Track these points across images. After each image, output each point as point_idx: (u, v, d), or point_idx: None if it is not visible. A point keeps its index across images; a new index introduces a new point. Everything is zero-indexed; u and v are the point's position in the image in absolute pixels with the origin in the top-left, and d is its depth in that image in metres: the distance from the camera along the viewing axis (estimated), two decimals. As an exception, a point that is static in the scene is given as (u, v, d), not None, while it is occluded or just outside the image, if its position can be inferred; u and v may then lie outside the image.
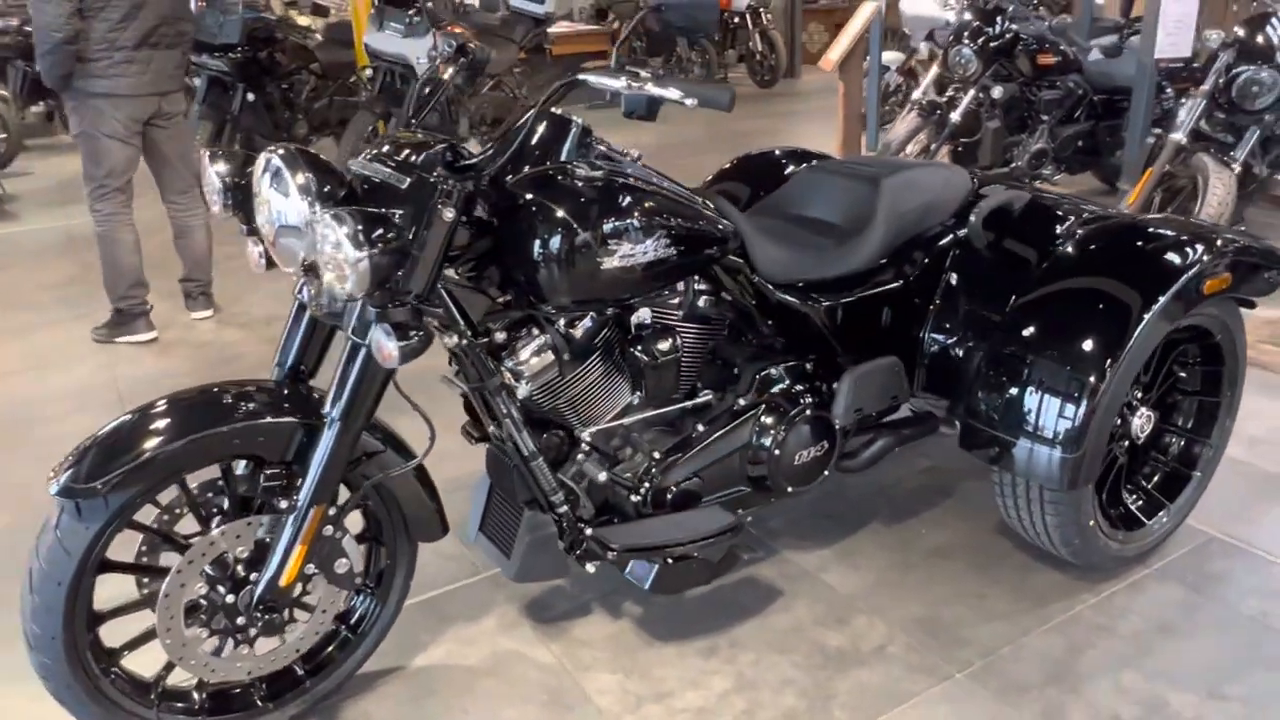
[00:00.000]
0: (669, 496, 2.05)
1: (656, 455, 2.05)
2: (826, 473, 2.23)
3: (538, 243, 1.73)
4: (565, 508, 1.98)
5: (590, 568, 2.01)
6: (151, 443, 1.57)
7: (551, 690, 1.99)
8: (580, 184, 1.78)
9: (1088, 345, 1.95)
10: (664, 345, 1.98)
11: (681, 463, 2.06)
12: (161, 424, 1.61)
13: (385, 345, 1.54)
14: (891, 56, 7.29)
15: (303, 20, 7.61)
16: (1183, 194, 3.69)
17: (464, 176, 1.69)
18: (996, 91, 4.78)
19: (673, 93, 1.56)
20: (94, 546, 1.59)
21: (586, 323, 1.94)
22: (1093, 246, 2.11)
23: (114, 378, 3.58)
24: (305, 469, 1.69)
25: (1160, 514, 2.30)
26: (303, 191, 1.58)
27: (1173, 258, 2.01)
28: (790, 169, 2.79)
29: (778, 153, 2.88)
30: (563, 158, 1.84)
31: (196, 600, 1.70)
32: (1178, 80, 4.66)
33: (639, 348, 1.97)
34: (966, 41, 4.77)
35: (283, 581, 1.69)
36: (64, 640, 1.60)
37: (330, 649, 1.93)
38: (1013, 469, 2.05)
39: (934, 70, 5.19)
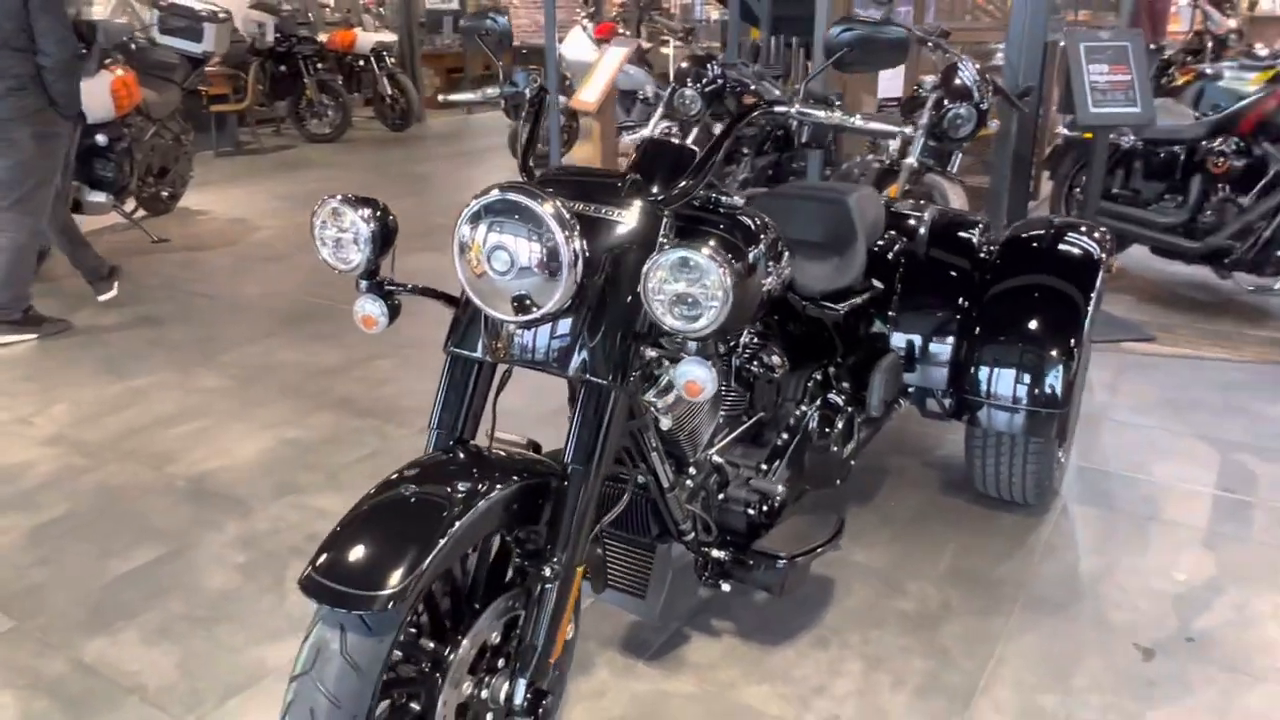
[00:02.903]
0: (773, 504, 2.16)
1: (764, 468, 2.15)
2: (853, 463, 2.48)
3: None
4: (692, 535, 2.01)
5: (726, 586, 2.06)
6: (430, 537, 1.36)
7: (719, 715, 2.00)
8: (731, 212, 1.85)
9: (1062, 324, 2.43)
10: (776, 360, 2.09)
11: (778, 472, 2.19)
12: (422, 515, 1.40)
13: (703, 378, 1.49)
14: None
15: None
16: (919, 207, 4.51)
17: (669, 206, 1.68)
18: (717, 128, 5.37)
19: (878, 124, 1.72)
20: (386, 663, 1.34)
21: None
22: (1030, 245, 2.62)
23: None
24: (548, 531, 1.56)
25: (1061, 450, 2.88)
26: (561, 224, 1.47)
27: (1093, 247, 2.57)
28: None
29: None
30: (687, 185, 1.88)
31: (465, 703, 1.48)
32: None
33: (755, 365, 2.06)
34: (690, 84, 5.29)
35: (552, 658, 1.54)
36: (363, 787, 1.32)
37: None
38: (1010, 429, 2.47)
39: (660, 109, 5.66)
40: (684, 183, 1.72)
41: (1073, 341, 2.42)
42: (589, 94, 4.74)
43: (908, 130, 1.73)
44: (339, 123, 9.65)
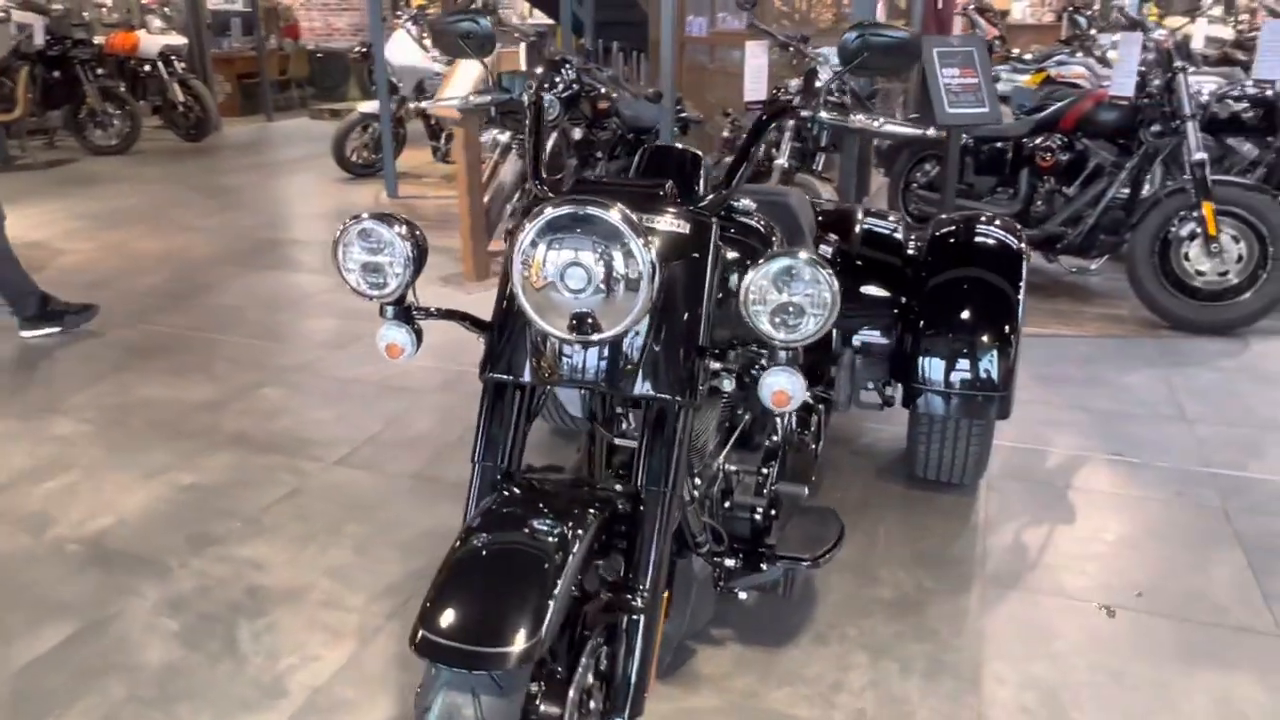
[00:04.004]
0: (776, 508, 2.16)
1: (765, 471, 2.14)
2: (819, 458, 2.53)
3: (732, 278, 1.74)
4: (708, 546, 1.98)
5: (743, 595, 2.05)
6: (544, 585, 1.27)
7: (751, 725, 1.98)
8: (745, 217, 1.84)
9: (999, 313, 2.58)
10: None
11: (776, 474, 2.19)
12: (526, 562, 1.31)
13: (793, 387, 1.46)
14: (373, 105, 7.37)
15: None
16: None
17: (709, 215, 1.64)
18: (576, 133, 5.34)
19: (903, 128, 1.75)
20: (518, 721, 1.23)
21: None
22: (958, 240, 2.76)
23: None
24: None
25: (984, 432, 3.07)
26: (639, 233, 1.39)
27: (1012, 240, 2.75)
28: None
29: None
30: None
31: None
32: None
33: (757, 368, 2.05)
34: (547, 89, 5.21)
35: (646, 691, 1.47)
36: None
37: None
38: (956, 414, 2.60)
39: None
40: (718, 190, 1.69)
41: (1009, 328, 2.58)
42: (453, 99, 4.57)
43: (930, 132, 1.79)
44: (127, 133, 8.81)
